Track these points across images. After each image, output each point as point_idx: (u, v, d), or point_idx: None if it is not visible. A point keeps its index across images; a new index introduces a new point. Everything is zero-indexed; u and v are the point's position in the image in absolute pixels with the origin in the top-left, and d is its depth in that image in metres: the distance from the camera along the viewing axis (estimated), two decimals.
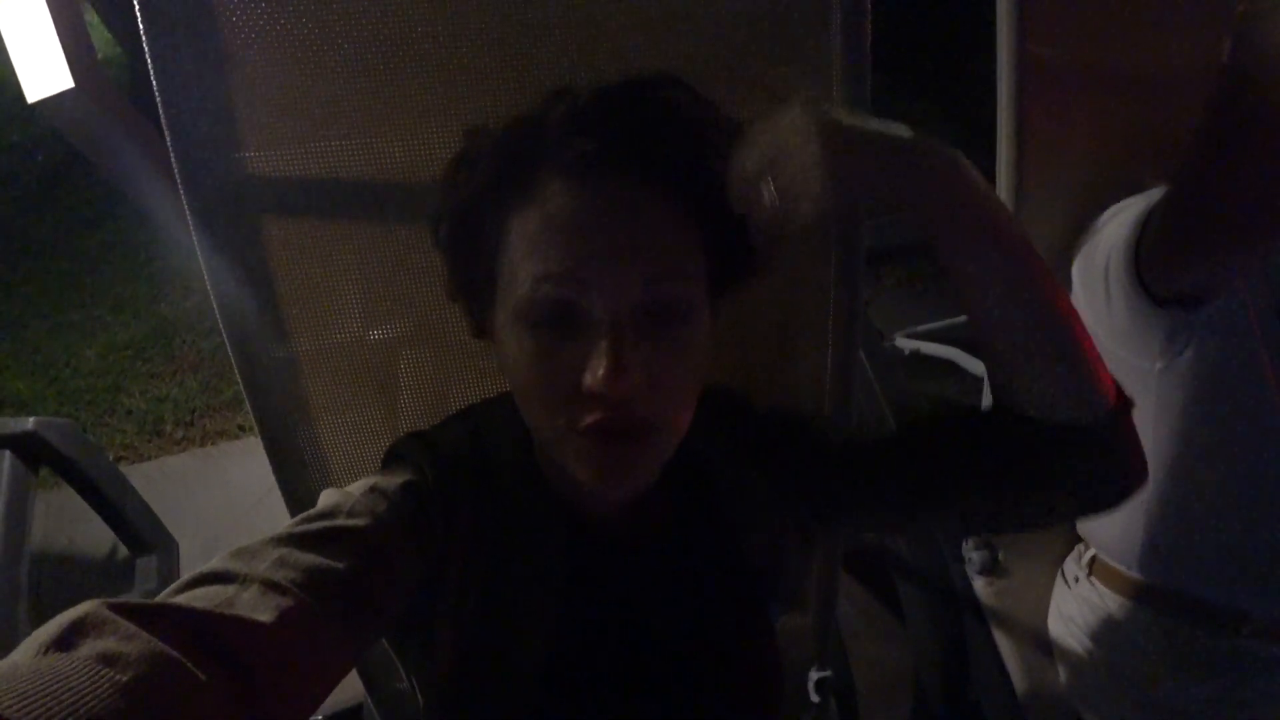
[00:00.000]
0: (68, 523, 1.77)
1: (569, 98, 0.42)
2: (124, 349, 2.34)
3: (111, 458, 1.97)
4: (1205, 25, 0.74)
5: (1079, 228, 0.80)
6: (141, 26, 0.52)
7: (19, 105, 0.67)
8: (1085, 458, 0.43)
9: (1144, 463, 0.45)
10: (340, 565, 0.37)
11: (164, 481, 1.94)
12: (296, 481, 0.68)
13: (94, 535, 1.71)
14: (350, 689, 0.79)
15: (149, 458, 2.04)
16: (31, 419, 1.29)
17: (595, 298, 0.38)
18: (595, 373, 0.37)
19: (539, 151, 0.40)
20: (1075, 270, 0.79)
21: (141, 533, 1.53)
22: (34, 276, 2.57)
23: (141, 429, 2.11)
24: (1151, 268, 0.67)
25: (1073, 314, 0.42)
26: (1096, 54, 0.78)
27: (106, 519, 1.48)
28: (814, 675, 0.90)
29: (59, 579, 1.71)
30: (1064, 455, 0.44)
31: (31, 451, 1.28)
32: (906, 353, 1.79)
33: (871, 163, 0.38)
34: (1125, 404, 0.43)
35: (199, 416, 2.13)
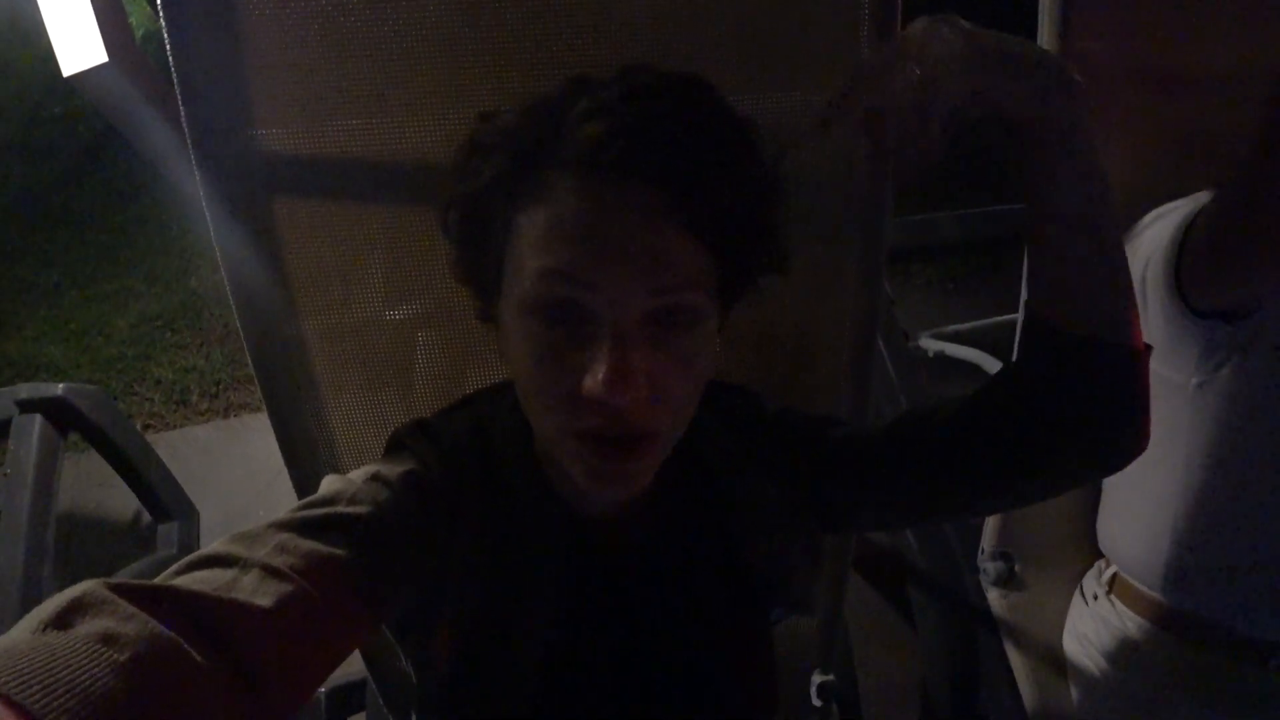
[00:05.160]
0: (95, 487, 1.83)
1: (587, 90, 0.40)
2: (155, 320, 2.40)
3: (139, 425, 2.04)
4: (1261, 23, 0.70)
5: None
6: (159, 2, 0.51)
7: (60, 79, 0.68)
8: (1103, 390, 0.45)
9: (1149, 426, 0.47)
10: (340, 553, 0.37)
11: (188, 450, 1.99)
12: (304, 463, 0.68)
13: (120, 500, 1.76)
14: (357, 663, 0.80)
15: (175, 426, 2.10)
16: (61, 385, 1.32)
17: (601, 300, 0.37)
18: (595, 377, 0.37)
19: (552, 146, 0.39)
20: None
21: (164, 499, 1.57)
22: (72, 247, 2.65)
23: (168, 398, 2.17)
24: (1193, 277, 0.63)
25: (1122, 248, 0.45)
26: (1144, 50, 0.74)
27: (131, 485, 1.52)
28: (816, 679, 0.89)
29: (85, 541, 1.76)
30: (1087, 380, 0.45)
31: (60, 416, 1.32)
32: (931, 354, 1.76)
33: (999, 69, 0.40)
34: (1148, 348, 0.46)
35: (224, 388, 2.19)
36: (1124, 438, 0.47)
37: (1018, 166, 0.43)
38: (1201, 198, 0.66)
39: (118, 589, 0.29)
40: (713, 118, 0.40)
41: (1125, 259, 0.44)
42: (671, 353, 0.39)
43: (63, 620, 0.26)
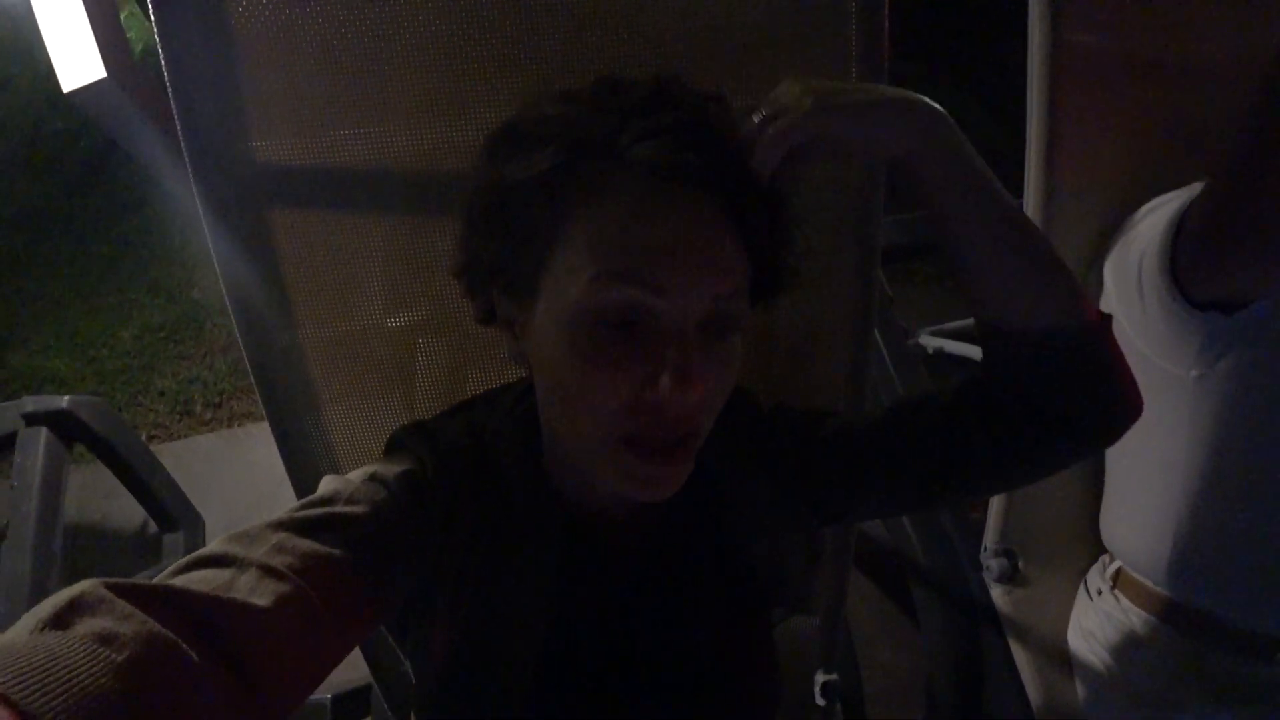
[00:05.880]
0: (101, 498, 1.84)
1: (638, 93, 0.41)
2: (158, 331, 2.42)
3: (144, 436, 2.05)
4: (1253, 12, 0.69)
5: (1113, 225, 0.76)
6: (153, 15, 0.52)
7: (61, 95, 0.69)
8: (1072, 372, 0.46)
9: (1136, 391, 0.47)
10: (337, 553, 0.37)
11: (192, 460, 2.00)
12: (305, 471, 0.68)
13: (125, 511, 1.77)
14: (362, 668, 0.80)
15: (179, 437, 2.11)
16: (66, 397, 1.33)
17: (666, 305, 0.38)
18: (661, 383, 0.37)
19: (617, 149, 0.38)
20: (1107, 269, 0.75)
21: (169, 509, 1.58)
22: (75, 260, 2.67)
23: (172, 409, 2.18)
24: (1188, 269, 0.63)
25: (1042, 238, 0.46)
26: (1136, 40, 0.73)
27: (136, 495, 1.53)
28: (820, 678, 0.89)
29: (91, 552, 1.77)
30: (1051, 368, 0.46)
31: (66, 428, 1.33)
32: (930, 350, 1.75)
33: (838, 114, 0.42)
34: (1105, 319, 0.46)
35: (227, 398, 2.20)
36: (1106, 411, 0.47)
37: (922, 200, 0.46)
38: (1196, 188, 0.65)
39: (115, 588, 0.29)
40: (738, 130, 0.42)
41: (1045, 244, 0.46)
42: (717, 357, 0.40)
43: (61, 620, 0.27)
